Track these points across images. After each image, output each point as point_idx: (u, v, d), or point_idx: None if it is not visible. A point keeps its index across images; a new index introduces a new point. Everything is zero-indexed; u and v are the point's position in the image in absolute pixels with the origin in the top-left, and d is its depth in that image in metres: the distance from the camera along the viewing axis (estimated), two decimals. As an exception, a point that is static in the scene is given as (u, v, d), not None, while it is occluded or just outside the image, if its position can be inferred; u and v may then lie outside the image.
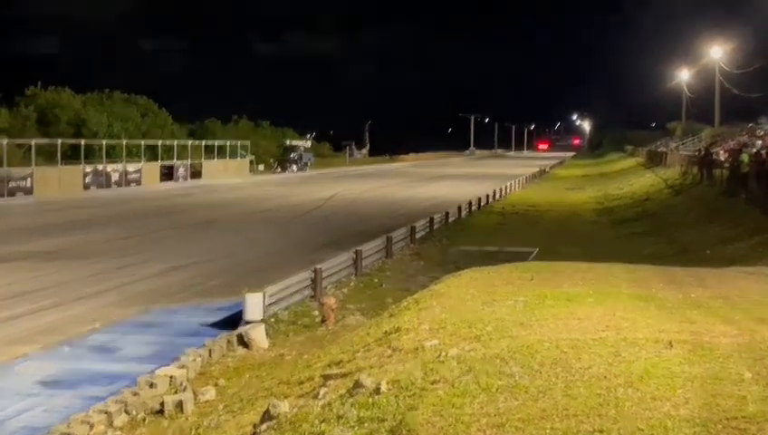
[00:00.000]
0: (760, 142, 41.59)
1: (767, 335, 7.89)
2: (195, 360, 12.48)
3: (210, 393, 11.01)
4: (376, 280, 20.02)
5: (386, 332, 9.63)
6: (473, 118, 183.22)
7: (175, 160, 61.46)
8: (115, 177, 52.34)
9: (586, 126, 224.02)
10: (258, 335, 13.84)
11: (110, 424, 10.00)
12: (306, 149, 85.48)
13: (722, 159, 40.15)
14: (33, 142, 46.46)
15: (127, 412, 10.31)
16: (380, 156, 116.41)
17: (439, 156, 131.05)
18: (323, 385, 8.19)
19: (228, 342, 13.62)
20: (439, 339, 8.34)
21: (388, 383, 6.96)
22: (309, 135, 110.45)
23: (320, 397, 7.66)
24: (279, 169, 76.34)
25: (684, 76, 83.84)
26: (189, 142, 66.72)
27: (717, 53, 63.74)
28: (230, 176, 65.11)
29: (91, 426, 9.77)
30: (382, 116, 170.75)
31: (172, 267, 21.37)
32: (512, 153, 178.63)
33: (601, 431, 5.59)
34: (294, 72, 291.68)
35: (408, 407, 6.34)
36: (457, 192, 48.50)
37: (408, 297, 12.52)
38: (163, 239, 27.45)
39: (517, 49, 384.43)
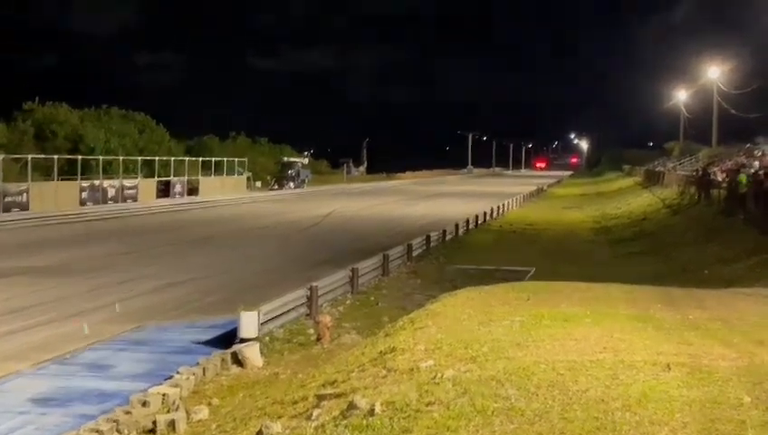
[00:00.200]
0: (757, 163, 41.51)
1: (766, 359, 7.80)
2: (188, 378, 12.36)
3: (203, 413, 10.89)
4: (372, 298, 19.91)
5: (381, 351, 9.53)
6: (471, 136, 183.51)
7: (172, 177, 61.37)
8: (111, 192, 52.16)
9: (584, 145, 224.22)
10: (252, 354, 13.72)
11: (102, 443, 9.88)
12: (304, 166, 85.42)
13: (719, 179, 40.09)
14: (29, 157, 46.33)
15: (118, 431, 10.18)
16: (378, 173, 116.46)
17: (437, 174, 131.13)
18: (317, 406, 8.08)
19: (222, 360, 13.51)
20: (435, 360, 8.24)
21: (382, 405, 6.87)
22: (307, 152, 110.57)
23: (313, 418, 7.55)
24: (276, 186, 76.21)
25: (682, 96, 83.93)
26: (186, 159, 66.61)
27: (715, 73, 63.84)
28: (227, 192, 64.97)
29: (83, 445, 9.66)
30: (380, 134, 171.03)
31: (168, 284, 21.28)
32: (509, 172, 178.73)
33: (599, 456, 5.49)
34: (293, 90, 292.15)
35: (403, 429, 6.25)
36: (455, 210, 48.41)
37: (404, 316, 12.42)
38: (159, 255, 27.34)
39: (516, 67, 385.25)
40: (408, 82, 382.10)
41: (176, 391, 11.67)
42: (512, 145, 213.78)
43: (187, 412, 10.79)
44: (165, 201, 55.94)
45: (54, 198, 46.04)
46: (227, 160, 71.62)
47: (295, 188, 76.84)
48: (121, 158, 56.75)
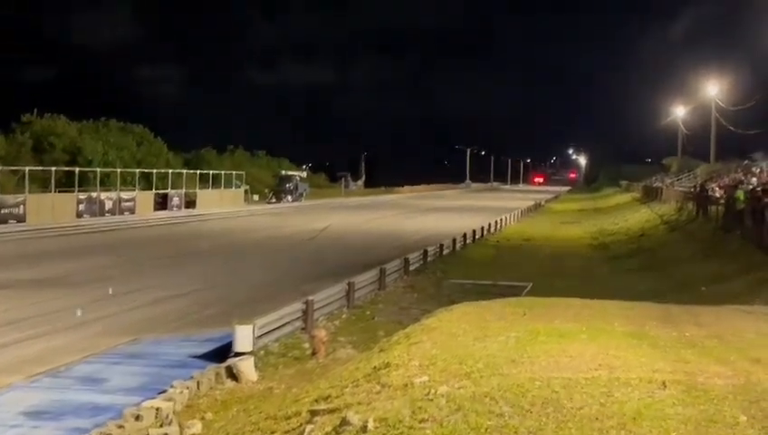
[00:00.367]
0: (755, 179, 41.52)
1: (762, 377, 7.75)
2: (182, 392, 12.28)
3: (196, 427, 10.82)
4: (368, 312, 19.84)
5: (375, 367, 9.47)
6: (469, 150, 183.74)
7: (169, 189, 61.35)
8: (109, 205, 52.13)
9: (582, 160, 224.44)
10: (247, 368, 13.65)
11: (93, 458, 9.82)
12: (302, 180, 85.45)
13: (717, 195, 40.08)
14: (26, 169, 46.30)
15: (111, 445, 10.11)
16: (376, 187, 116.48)
17: (435, 188, 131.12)
18: (310, 422, 8.02)
19: (217, 374, 13.43)
20: (429, 375, 8.18)
21: (375, 421, 6.81)
22: (305, 166, 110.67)
23: (306, 434, 7.49)
24: (274, 200, 76.16)
25: (680, 112, 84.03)
26: (184, 171, 66.65)
27: (714, 89, 63.95)
28: (225, 205, 64.93)
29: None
30: (379, 147, 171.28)
31: (164, 297, 21.21)
32: (507, 186, 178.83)
33: (593, 475, 5.44)
34: (292, 103, 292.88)
35: (395, 447, 6.19)
36: (453, 224, 48.36)
37: (399, 331, 12.37)
38: (155, 268, 27.28)
39: (515, 82, 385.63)
40: (406, 95, 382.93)
41: (169, 405, 11.59)
42: (510, 160, 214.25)
43: (181, 427, 10.72)
44: (162, 214, 55.89)
45: (51, 210, 45.99)
46: (225, 173, 71.63)
47: (293, 201, 76.80)
48: (119, 170, 56.72)
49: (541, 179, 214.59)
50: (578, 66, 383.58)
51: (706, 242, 33.04)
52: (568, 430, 6.23)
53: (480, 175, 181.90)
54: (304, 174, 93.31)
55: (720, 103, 63.25)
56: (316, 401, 9.23)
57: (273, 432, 8.24)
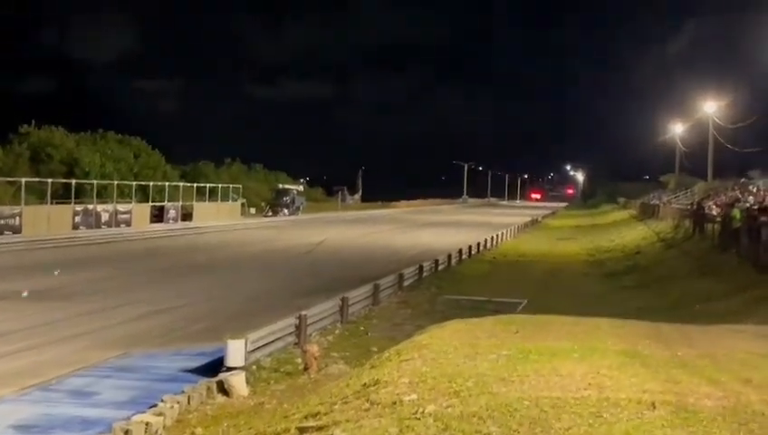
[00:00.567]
0: (752, 198, 41.52)
1: (753, 398, 7.70)
2: (172, 406, 12.21)
3: (185, 442, 10.76)
4: (362, 328, 19.78)
5: (365, 384, 9.42)
6: (466, 166, 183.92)
7: (166, 202, 61.32)
8: (105, 217, 52.08)
9: (579, 177, 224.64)
10: (238, 383, 13.58)
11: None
12: (299, 193, 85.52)
13: (714, 213, 40.08)
14: (23, 181, 46.27)
15: (99, 460, 10.04)
16: (373, 202, 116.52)
17: (432, 203, 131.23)
18: (298, 439, 7.97)
19: (208, 388, 13.35)
20: (418, 393, 8.13)
21: (362, 440, 6.75)
22: (302, 179, 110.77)
23: (293, 451, 7.44)
24: (270, 213, 76.17)
25: (678, 130, 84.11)
26: (181, 184, 66.67)
27: (711, 107, 64.05)
28: (221, 219, 64.93)
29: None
30: (376, 162, 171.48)
31: (157, 310, 21.14)
32: (504, 202, 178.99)
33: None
34: (289, 117, 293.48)
35: (381, 466, 6.13)
36: (449, 240, 48.35)
37: (391, 348, 12.30)
38: (149, 281, 27.18)
39: (514, 98, 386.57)
40: (405, 110, 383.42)
41: (159, 420, 11.53)
42: (507, 175, 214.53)
43: (169, 442, 10.66)
44: (158, 226, 55.85)
45: (47, 221, 45.96)
46: (222, 187, 71.67)
47: (290, 214, 76.85)
48: (116, 182, 56.74)
49: (538, 195, 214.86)
50: (577, 82, 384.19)
51: (702, 260, 33.02)
52: (555, 451, 6.18)
53: (477, 190, 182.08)
54: (301, 188, 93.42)
55: (718, 121, 63.33)
56: (305, 417, 9.17)
57: (261, 449, 8.18)
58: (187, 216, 62.45)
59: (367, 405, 8.30)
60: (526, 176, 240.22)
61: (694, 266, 32.25)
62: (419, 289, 27.22)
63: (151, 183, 61.25)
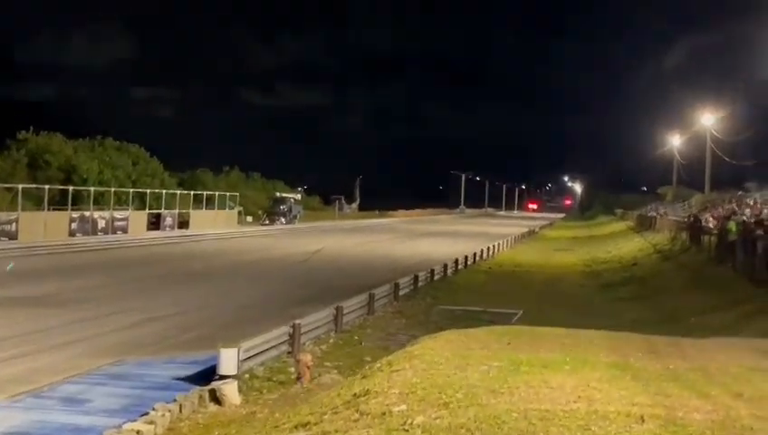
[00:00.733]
0: (749, 211, 41.52)
1: (743, 412, 7.68)
2: (164, 415, 12.19)
3: (176, 451, 10.73)
4: (356, 337, 19.76)
5: (355, 394, 9.41)
6: (464, 176, 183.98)
7: (162, 209, 61.31)
8: (101, 224, 52.01)
9: (578, 187, 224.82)
10: (230, 391, 13.56)
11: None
12: (296, 202, 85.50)
13: (711, 225, 40.10)
14: (20, 187, 46.25)
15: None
16: (371, 211, 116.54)
17: (430, 213, 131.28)
18: (287, 448, 7.95)
19: (200, 397, 13.34)
20: (408, 404, 8.11)
21: (350, 450, 6.74)
22: (300, 188, 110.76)
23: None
24: (267, 221, 76.14)
25: (675, 142, 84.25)
26: (178, 192, 66.70)
27: (709, 120, 64.12)
28: (218, 226, 64.92)
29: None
30: (374, 171, 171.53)
31: (151, 318, 21.10)
32: (502, 212, 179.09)
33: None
34: (287, 125, 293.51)
35: (368, 477, 6.12)
36: (446, 250, 48.33)
37: (382, 358, 12.30)
38: (143, 289, 27.11)
39: (512, 109, 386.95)
40: (403, 119, 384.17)
41: (150, 428, 11.52)
42: (505, 186, 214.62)
43: (160, 450, 10.63)
44: (155, 234, 55.82)
45: (44, 228, 45.92)
46: (219, 194, 71.73)
47: (287, 223, 76.83)
48: (113, 189, 56.71)
49: (535, 206, 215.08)
50: (576, 94, 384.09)
51: (698, 272, 33.02)
52: (543, 464, 6.16)
53: (475, 201, 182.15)
54: (299, 196, 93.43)
55: (715, 133, 63.42)
56: (296, 427, 9.16)
57: (250, 459, 8.16)
58: (183, 223, 62.45)
59: (356, 416, 8.28)
60: (524, 186, 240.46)
61: (689, 279, 32.25)
62: (415, 299, 27.19)
63: (148, 190, 61.28)
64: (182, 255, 41.66)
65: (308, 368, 14.96)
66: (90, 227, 50.45)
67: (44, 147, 60.41)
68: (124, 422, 11.72)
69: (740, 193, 57.14)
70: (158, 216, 60.00)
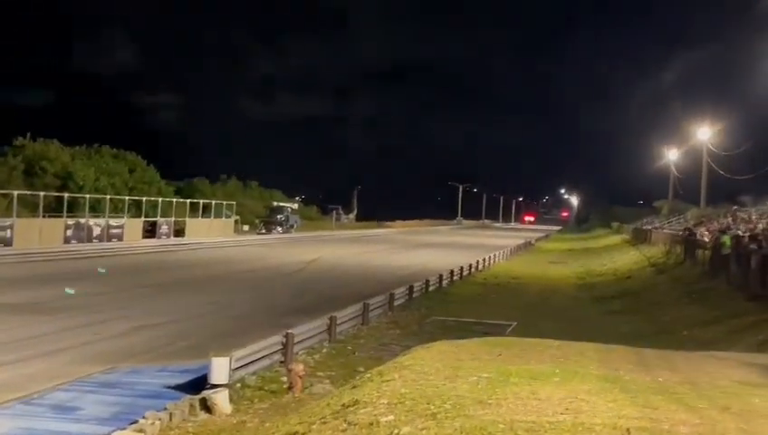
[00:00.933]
0: (743, 226, 41.59)
1: (729, 426, 7.68)
2: (153, 423, 12.18)
3: (165, 459, 10.72)
4: (349, 347, 19.75)
5: (344, 404, 9.39)
6: (461, 187, 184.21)
7: (158, 217, 61.30)
8: (97, 231, 52.02)
9: (574, 200, 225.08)
10: (221, 400, 13.54)
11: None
12: (293, 211, 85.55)
13: (705, 239, 40.17)
14: (15, 193, 46.25)
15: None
16: (368, 221, 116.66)
17: (427, 224, 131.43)
18: (274, 458, 7.94)
19: (191, 405, 13.32)
20: (395, 415, 8.11)
21: (336, 460, 6.73)
22: (298, 197, 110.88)
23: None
24: (264, 230, 76.14)
25: (672, 156, 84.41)
26: (174, 200, 66.73)
27: (705, 134, 64.26)
28: (214, 235, 64.93)
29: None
30: (372, 181, 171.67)
31: (143, 326, 21.07)
32: (499, 224, 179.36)
33: None
34: (287, 135, 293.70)
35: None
36: (442, 261, 48.36)
37: (373, 369, 12.29)
38: (136, 297, 27.09)
39: (510, 121, 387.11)
40: (402, 130, 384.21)
41: (139, 437, 11.52)
42: (502, 198, 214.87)
43: (149, 459, 10.62)
44: (150, 242, 55.83)
45: (39, 234, 45.93)
46: (216, 203, 71.75)
47: (283, 232, 76.84)
48: (108, 197, 56.73)
49: (531, 218, 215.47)
50: (573, 107, 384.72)
51: (692, 286, 33.05)
52: (527, 476, 6.16)
53: (472, 212, 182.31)
54: (296, 206, 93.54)
55: (712, 148, 63.56)
56: (284, 437, 9.16)
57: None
58: (179, 231, 62.52)
59: (344, 426, 8.28)
60: (521, 199, 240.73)
61: (683, 292, 32.28)
62: (409, 310, 27.18)
63: (144, 198, 61.30)
64: (176, 263, 41.63)
65: (300, 378, 14.95)
66: (85, 235, 50.47)
67: (41, 153, 60.38)
68: (114, 430, 11.70)
69: (735, 207, 57.24)
70: (154, 224, 60.04)
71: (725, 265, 31.32)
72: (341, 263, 46.39)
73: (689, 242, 42.59)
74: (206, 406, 13.39)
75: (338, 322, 20.53)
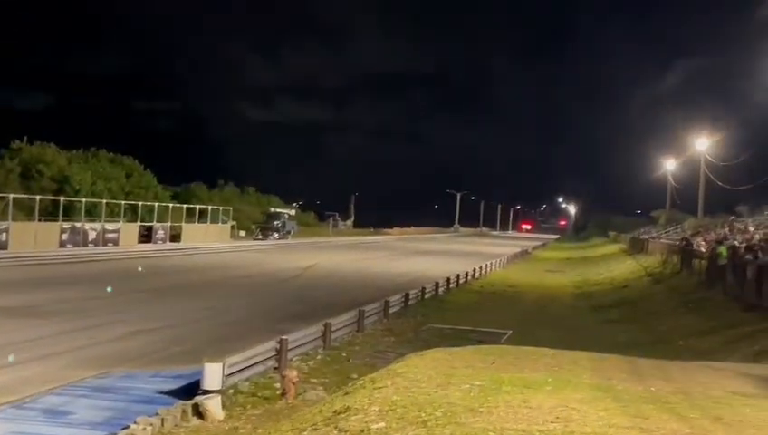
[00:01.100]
0: (740, 236, 41.58)
1: (720, 436, 7.67)
2: (145, 429, 12.14)
3: (155, 465, 10.68)
4: (344, 354, 19.71)
5: (336, 411, 9.37)
6: (459, 195, 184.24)
7: (154, 222, 61.23)
8: (92, 235, 51.95)
9: (572, 209, 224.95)
10: (214, 406, 13.50)
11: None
12: (290, 218, 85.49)
13: (702, 249, 40.16)
14: (11, 197, 46.18)
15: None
16: (365, 228, 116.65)
17: (424, 231, 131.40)
18: (264, 464, 7.91)
19: (183, 411, 13.27)
20: (386, 422, 8.08)
21: (325, 467, 6.70)
22: (295, 204, 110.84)
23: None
24: (260, 236, 76.02)
25: (670, 166, 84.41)
26: (171, 205, 66.68)
27: (703, 144, 64.27)
28: (210, 240, 64.84)
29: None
30: (368, 189, 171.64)
31: (137, 331, 21.01)
32: (496, 232, 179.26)
33: None
34: (285, 141, 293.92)
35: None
36: (439, 268, 48.28)
37: (365, 376, 12.26)
38: (131, 301, 26.96)
39: (509, 129, 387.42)
40: (400, 138, 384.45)
41: (130, 442, 11.48)
42: (500, 206, 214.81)
43: (139, 464, 10.58)
44: (146, 246, 55.74)
45: (34, 238, 45.86)
46: (212, 208, 71.68)
47: (280, 238, 76.76)
48: (104, 201, 56.68)
49: (529, 226, 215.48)
50: (572, 116, 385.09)
51: (689, 296, 33.04)
52: (516, 484, 6.14)
53: (469, 220, 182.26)
54: (293, 212, 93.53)
55: (709, 158, 63.56)
56: (276, 443, 9.13)
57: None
58: (175, 236, 62.40)
59: (335, 433, 8.25)
60: (519, 207, 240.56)
61: (680, 302, 32.27)
62: (405, 317, 27.15)
63: (140, 203, 61.25)
64: (172, 268, 41.56)
65: (293, 384, 14.91)
66: (80, 239, 50.41)
67: (38, 157, 60.35)
68: (105, 435, 11.66)
69: (732, 217, 57.27)
70: (150, 228, 59.93)
71: (722, 276, 31.33)
72: (339, 269, 46.34)
73: (686, 252, 42.59)
74: (199, 412, 13.35)
75: (333, 328, 20.49)
